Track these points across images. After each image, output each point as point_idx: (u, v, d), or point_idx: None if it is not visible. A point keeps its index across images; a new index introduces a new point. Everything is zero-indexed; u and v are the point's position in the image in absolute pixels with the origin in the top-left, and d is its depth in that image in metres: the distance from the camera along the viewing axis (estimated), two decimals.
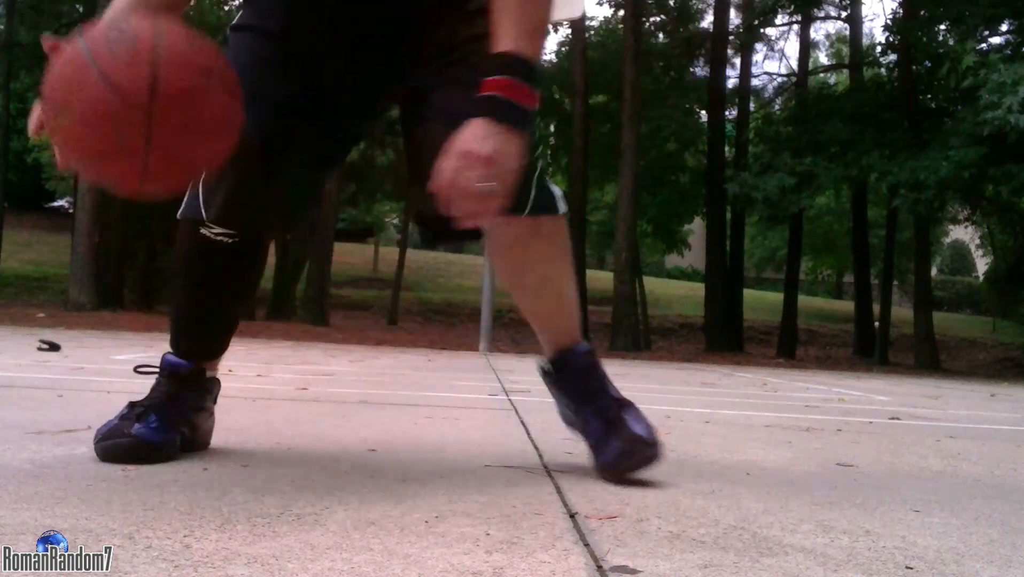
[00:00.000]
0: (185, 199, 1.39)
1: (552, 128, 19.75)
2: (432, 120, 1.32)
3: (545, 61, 15.93)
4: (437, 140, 1.20)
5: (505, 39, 1.19)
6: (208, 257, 1.41)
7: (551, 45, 19.82)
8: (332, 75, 1.40)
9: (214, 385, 1.52)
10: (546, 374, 1.53)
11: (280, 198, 1.40)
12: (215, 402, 1.55)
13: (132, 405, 1.41)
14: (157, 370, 1.47)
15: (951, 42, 14.52)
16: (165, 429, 1.38)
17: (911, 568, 0.95)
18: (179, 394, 1.43)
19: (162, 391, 1.43)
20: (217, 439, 1.66)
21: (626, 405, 1.45)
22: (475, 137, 1.16)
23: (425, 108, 1.35)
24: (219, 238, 1.38)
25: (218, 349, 1.52)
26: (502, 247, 1.44)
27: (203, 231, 1.38)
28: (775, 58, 60.25)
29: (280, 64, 1.38)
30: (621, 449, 1.39)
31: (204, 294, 1.47)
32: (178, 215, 1.41)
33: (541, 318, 1.50)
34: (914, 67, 15.23)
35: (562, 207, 1.42)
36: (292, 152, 1.37)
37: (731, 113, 19.01)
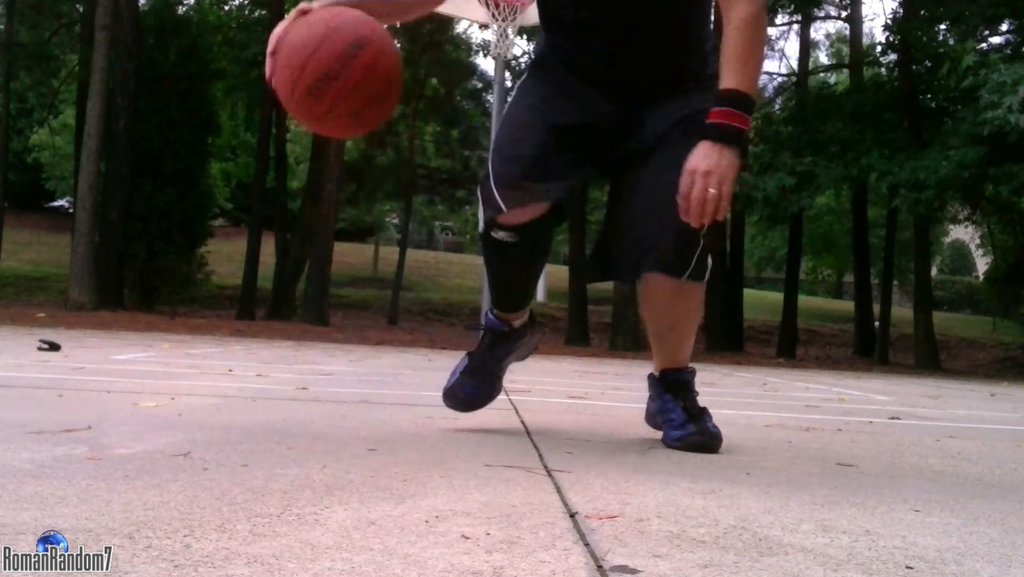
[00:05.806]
0: (480, 211, 1.86)
1: None
2: (660, 169, 1.71)
3: None
4: (663, 186, 1.65)
5: (729, 79, 1.60)
6: (501, 254, 1.90)
7: None
8: (602, 114, 1.83)
9: (523, 331, 2.06)
10: (658, 382, 2.03)
11: (557, 210, 1.89)
12: (534, 333, 2.11)
13: (469, 355, 2.04)
14: (482, 327, 2.09)
15: (951, 42, 14.49)
16: (479, 382, 2.03)
17: (911, 568, 0.95)
18: (494, 345, 2.03)
19: (485, 343, 2.03)
20: (216, 438, 1.66)
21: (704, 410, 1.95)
22: (701, 156, 1.57)
23: (652, 158, 1.76)
24: (507, 240, 1.84)
25: (519, 306, 2.04)
26: (652, 296, 1.87)
27: (494, 235, 1.84)
28: (775, 58, 60.13)
29: (568, 98, 1.84)
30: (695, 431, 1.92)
31: (504, 277, 2.00)
32: (480, 227, 1.90)
33: (664, 348, 1.97)
34: (914, 67, 15.20)
35: (706, 276, 1.82)
36: (570, 168, 1.85)
37: None
